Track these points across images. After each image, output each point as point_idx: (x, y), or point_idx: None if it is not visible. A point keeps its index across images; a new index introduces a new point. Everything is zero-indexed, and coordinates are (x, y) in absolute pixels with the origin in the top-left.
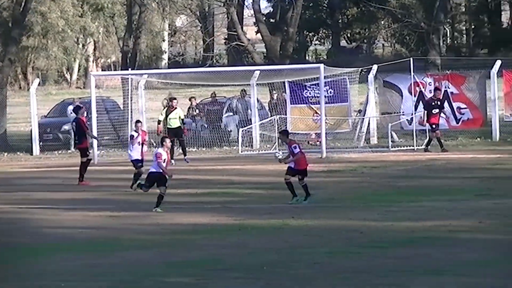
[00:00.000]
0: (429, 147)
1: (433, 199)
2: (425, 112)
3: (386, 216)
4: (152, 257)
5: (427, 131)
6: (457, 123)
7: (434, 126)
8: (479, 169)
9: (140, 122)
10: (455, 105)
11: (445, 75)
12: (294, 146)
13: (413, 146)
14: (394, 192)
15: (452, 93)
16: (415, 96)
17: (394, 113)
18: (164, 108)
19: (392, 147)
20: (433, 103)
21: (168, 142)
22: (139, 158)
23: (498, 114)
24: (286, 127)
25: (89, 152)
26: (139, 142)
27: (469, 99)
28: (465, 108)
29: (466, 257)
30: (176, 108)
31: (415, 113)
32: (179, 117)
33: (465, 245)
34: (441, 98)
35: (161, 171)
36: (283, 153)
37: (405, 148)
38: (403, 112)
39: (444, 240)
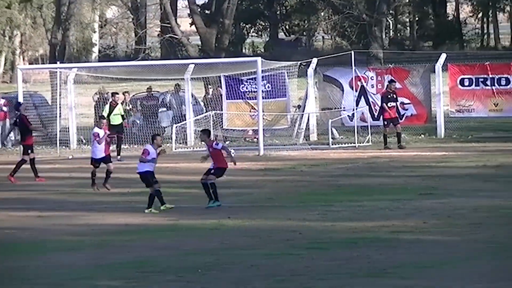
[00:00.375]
0: (402, 143)
1: (375, 199)
2: (381, 105)
3: (326, 216)
4: (82, 259)
5: (369, 127)
6: (401, 119)
7: (387, 122)
8: (423, 167)
9: (104, 117)
10: (399, 100)
11: (388, 69)
12: (216, 143)
13: (354, 143)
14: (334, 191)
15: (396, 87)
16: (356, 91)
17: (335, 108)
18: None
19: (332, 144)
20: (388, 96)
21: (159, 139)
22: (104, 156)
23: (443, 109)
24: (222, 123)
25: (30, 152)
26: (97, 139)
27: (413, 94)
28: (409, 103)
29: (408, 259)
30: (118, 103)
31: (356, 109)
32: (120, 113)
33: (408, 247)
34: (396, 90)
35: (151, 170)
36: (235, 151)
37: (346, 145)
38: (344, 108)
39: (387, 241)
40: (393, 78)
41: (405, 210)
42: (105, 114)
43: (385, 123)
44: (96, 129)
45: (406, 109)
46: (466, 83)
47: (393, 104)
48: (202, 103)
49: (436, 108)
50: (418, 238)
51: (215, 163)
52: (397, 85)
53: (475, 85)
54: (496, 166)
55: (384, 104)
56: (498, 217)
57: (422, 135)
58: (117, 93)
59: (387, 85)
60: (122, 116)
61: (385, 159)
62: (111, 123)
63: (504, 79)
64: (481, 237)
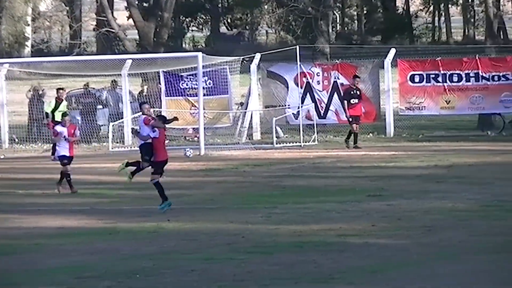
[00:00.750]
0: (358, 142)
1: (321, 200)
2: (344, 102)
3: (270, 219)
4: (13, 264)
5: (315, 126)
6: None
7: (351, 119)
8: (372, 168)
9: (68, 115)
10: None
11: (334, 64)
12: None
13: (299, 142)
14: (279, 193)
15: (342, 84)
16: (301, 87)
17: (279, 106)
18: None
19: (276, 144)
20: (351, 92)
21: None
22: (67, 154)
23: (392, 107)
24: None
25: None
26: (65, 137)
27: (361, 90)
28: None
29: (356, 264)
30: (63, 100)
31: (301, 106)
32: (64, 110)
33: (356, 251)
34: (359, 86)
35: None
36: (193, 151)
37: (291, 144)
38: (288, 105)
39: (333, 245)
40: (357, 74)
41: (353, 212)
42: (49, 110)
43: (351, 119)
44: (59, 127)
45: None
46: (417, 80)
47: (356, 101)
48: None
49: (385, 105)
50: (366, 242)
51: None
52: (345, 81)
53: (426, 82)
54: (448, 166)
55: (346, 102)
56: (450, 220)
57: (371, 134)
58: (62, 89)
59: (352, 81)
60: (64, 113)
61: (332, 159)
62: (55, 119)
63: (456, 75)
64: (431, 240)
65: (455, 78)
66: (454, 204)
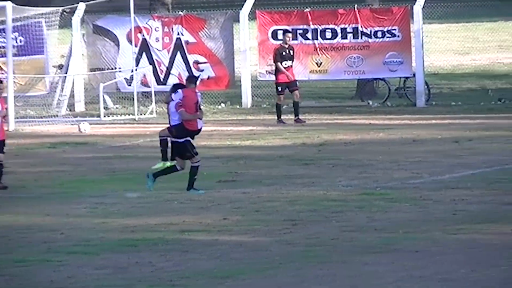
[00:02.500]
0: (281, 118)
1: (160, 188)
2: (276, 66)
3: (97, 211)
4: None
5: (153, 94)
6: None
7: (281, 87)
8: (223, 147)
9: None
10: (191, 58)
11: (177, 17)
12: None
13: (133, 114)
14: (108, 178)
15: (187, 42)
16: (136, 46)
17: (108, 69)
18: None
19: (105, 116)
20: (283, 53)
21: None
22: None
23: (250, 71)
24: None
25: None
26: None
27: (211, 50)
28: (205, 62)
29: (203, 267)
30: None
31: (136, 70)
32: None
33: (203, 250)
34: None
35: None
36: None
37: (123, 117)
38: (120, 69)
39: (175, 243)
40: (288, 29)
41: (200, 202)
42: None
43: (279, 89)
44: None
45: (202, 70)
46: (281, 36)
47: (290, 63)
48: None
49: (240, 69)
50: (216, 239)
51: None
52: (190, 38)
53: (293, 39)
54: (318, 145)
55: (279, 64)
56: (320, 212)
57: (223, 104)
58: None
59: (283, 38)
60: None
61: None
62: None
63: (329, 30)
64: (297, 237)
65: (328, 35)
66: (326, 192)
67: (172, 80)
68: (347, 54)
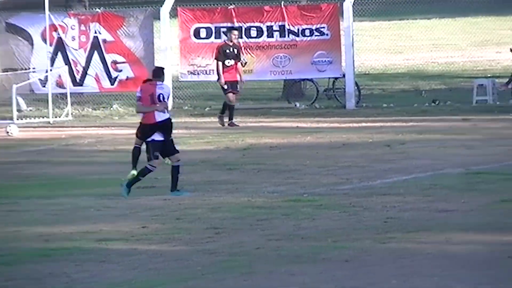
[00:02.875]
0: (233, 120)
1: (76, 194)
2: (217, 64)
3: (8, 219)
4: None
5: (68, 96)
6: (112, 84)
7: (227, 86)
8: (143, 152)
9: None
10: (109, 58)
11: (95, 14)
12: None
13: (48, 117)
14: (19, 184)
15: (105, 41)
16: (51, 45)
17: (21, 69)
18: None
19: (18, 119)
20: (227, 51)
21: None
22: None
23: (171, 71)
24: None
25: None
26: None
27: (129, 49)
28: (123, 62)
29: (121, 278)
30: None
31: (51, 70)
32: None
33: (121, 261)
34: (237, 43)
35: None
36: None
37: (37, 119)
38: (34, 69)
39: (91, 253)
40: (234, 25)
41: (118, 210)
42: None
43: (225, 87)
44: None
45: (120, 70)
46: (203, 35)
47: (233, 62)
48: None
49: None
50: (134, 249)
51: None
52: (108, 36)
53: (216, 37)
54: (243, 149)
55: (220, 63)
56: (244, 220)
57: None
58: None
59: (227, 35)
60: None
61: (91, 140)
62: None
63: (255, 28)
64: (220, 246)
65: (253, 33)
66: (251, 199)
67: (89, 81)
68: (273, 53)
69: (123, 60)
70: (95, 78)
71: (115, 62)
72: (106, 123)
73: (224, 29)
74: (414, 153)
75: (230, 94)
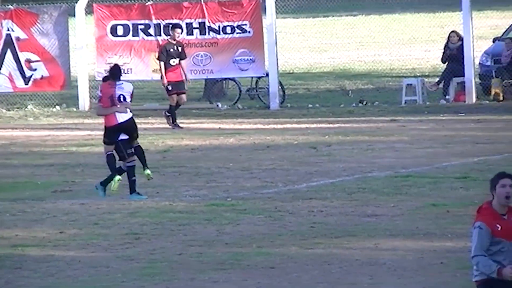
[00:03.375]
0: (176, 122)
1: None
2: (160, 64)
3: None
4: None
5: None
6: (26, 83)
7: (171, 86)
8: (59, 153)
9: None
10: (22, 56)
11: (7, 11)
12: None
13: None
14: None
15: (18, 38)
16: None
17: None
18: None
19: None
20: (170, 49)
21: None
22: None
23: (87, 70)
24: None
25: None
26: None
27: (44, 47)
28: (38, 61)
29: (36, 285)
30: None
31: None
32: None
33: (37, 267)
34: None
35: None
36: None
37: None
38: None
39: (6, 259)
40: (178, 23)
41: (33, 214)
42: None
43: (169, 88)
44: None
45: (34, 69)
46: (120, 32)
47: (177, 61)
48: None
49: (76, 68)
50: (51, 255)
51: None
52: (21, 34)
53: (133, 35)
54: (163, 151)
55: (163, 63)
56: (165, 225)
57: (58, 107)
58: None
59: (171, 33)
60: None
61: (4, 142)
62: None
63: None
64: (140, 252)
65: None
66: (171, 203)
67: (2, 81)
68: (193, 51)
69: (38, 58)
70: (8, 77)
71: (29, 61)
72: (20, 125)
73: (142, 26)
74: (340, 155)
75: (174, 96)
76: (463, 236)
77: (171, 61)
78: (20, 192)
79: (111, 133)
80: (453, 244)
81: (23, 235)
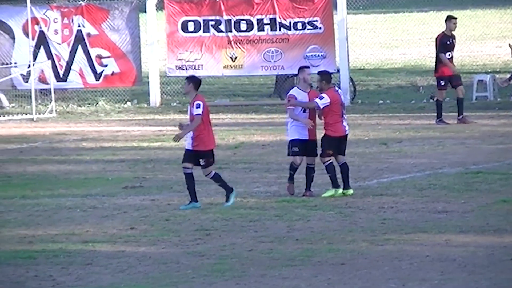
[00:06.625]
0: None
1: (60, 194)
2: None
3: None
4: None
5: (52, 92)
6: (97, 79)
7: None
8: (130, 149)
9: None
10: (93, 52)
11: (78, 7)
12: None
13: (31, 113)
14: (1, 184)
15: (89, 34)
16: (33, 39)
17: (3, 64)
18: None
19: (0, 116)
20: (447, 42)
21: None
22: None
23: (158, 66)
24: None
25: None
26: None
27: (115, 43)
28: (109, 57)
29: (107, 281)
30: None
31: (33, 65)
32: None
33: (107, 263)
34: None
35: None
36: None
37: (20, 116)
38: (15, 64)
39: (77, 255)
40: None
41: (104, 210)
42: None
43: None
44: None
45: (105, 66)
46: (191, 28)
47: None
48: None
49: (148, 64)
50: (121, 251)
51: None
52: (92, 30)
53: (204, 31)
54: (234, 147)
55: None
56: (235, 221)
57: (129, 103)
58: None
59: None
60: None
61: (76, 138)
62: None
63: (244, 22)
64: (210, 248)
65: (243, 26)
66: (242, 199)
67: (73, 77)
68: (264, 47)
69: (108, 54)
70: (79, 73)
71: (99, 57)
72: (92, 120)
73: (213, 22)
74: (411, 151)
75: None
76: None
77: (447, 54)
78: (91, 188)
79: (334, 143)
80: None
81: (94, 231)
